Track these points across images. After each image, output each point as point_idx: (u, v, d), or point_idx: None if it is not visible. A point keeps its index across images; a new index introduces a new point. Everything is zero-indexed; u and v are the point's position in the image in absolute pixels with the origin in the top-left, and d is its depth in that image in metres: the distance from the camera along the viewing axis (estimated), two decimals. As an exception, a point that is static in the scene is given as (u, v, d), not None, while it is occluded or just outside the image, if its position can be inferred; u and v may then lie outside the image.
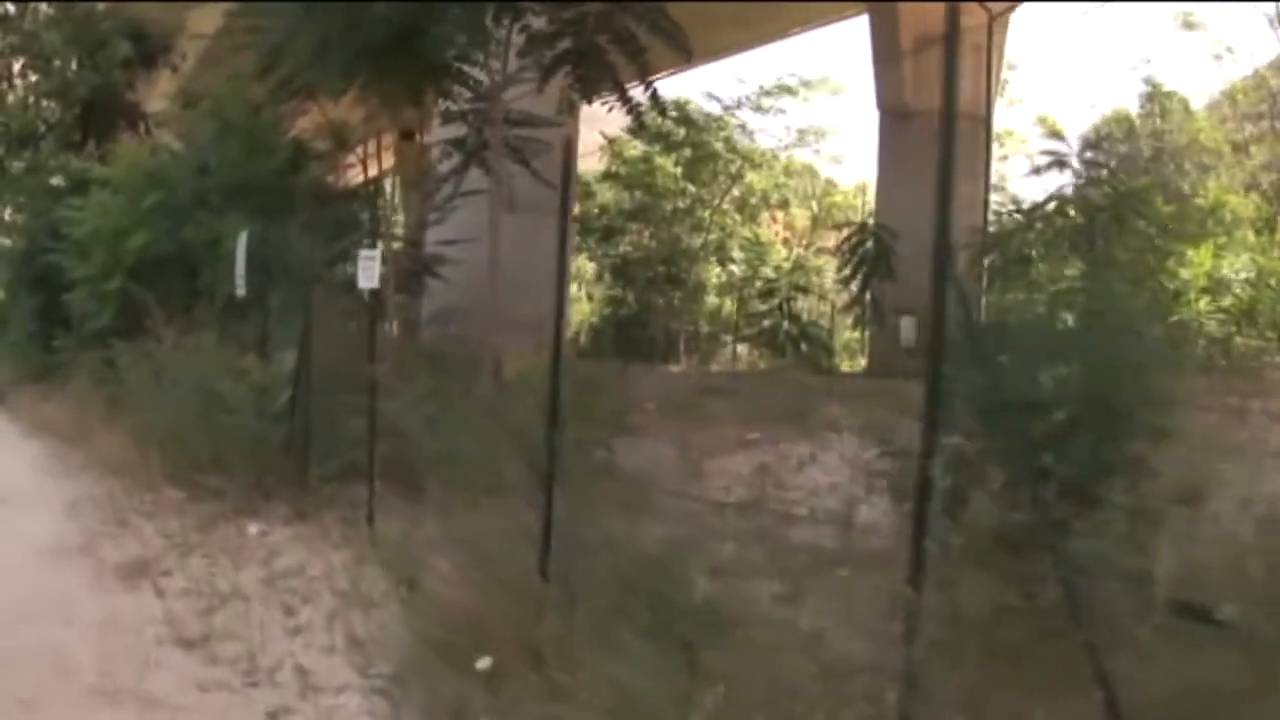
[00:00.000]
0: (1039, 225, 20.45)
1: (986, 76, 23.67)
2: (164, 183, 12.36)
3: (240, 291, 10.40)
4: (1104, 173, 19.95)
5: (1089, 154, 20.45)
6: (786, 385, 18.07)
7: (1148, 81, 29.29)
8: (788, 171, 35.74)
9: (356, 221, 14.05)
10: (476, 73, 13.00)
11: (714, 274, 34.38)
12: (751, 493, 7.90)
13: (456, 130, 13.83)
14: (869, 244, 23.56)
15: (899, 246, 23.04)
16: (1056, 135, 28.34)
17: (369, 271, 6.94)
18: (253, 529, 8.10)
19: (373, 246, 7.05)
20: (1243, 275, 21.81)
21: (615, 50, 11.01)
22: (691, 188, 32.82)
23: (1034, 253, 20.73)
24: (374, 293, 7.12)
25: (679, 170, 32.62)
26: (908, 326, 18.52)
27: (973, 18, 23.38)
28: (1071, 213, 20.36)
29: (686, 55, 11.73)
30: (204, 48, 20.61)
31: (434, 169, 14.05)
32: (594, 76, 11.32)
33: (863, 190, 34.06)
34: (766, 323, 24.85)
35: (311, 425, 8.79)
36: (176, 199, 12.29)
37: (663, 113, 10.79)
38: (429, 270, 14.68)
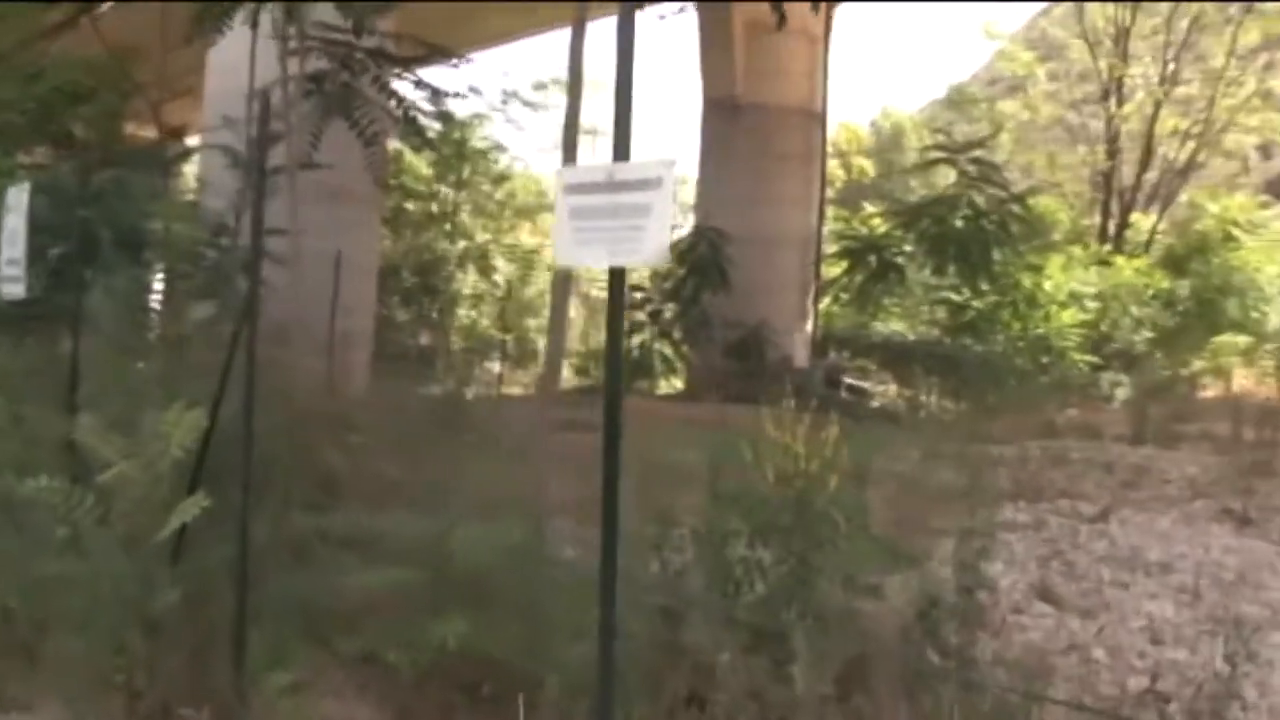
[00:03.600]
0: (912, 232, 17.31)
1: (824, 69, 20.48)
2: None
3: (15, 291, 5.27)
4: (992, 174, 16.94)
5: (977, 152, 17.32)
6: (669, 420, 13.95)
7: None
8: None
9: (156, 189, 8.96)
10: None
11: (470, 284, 29.61)
12: None
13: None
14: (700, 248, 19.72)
15: (729, 249, 19.39)
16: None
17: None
18: None
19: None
20: (1091, 289, 19.61)
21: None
22: (447, 190, 28.03)
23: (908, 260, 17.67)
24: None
25: (431, 171, 27.75)
26: (800, 345, 14.81)
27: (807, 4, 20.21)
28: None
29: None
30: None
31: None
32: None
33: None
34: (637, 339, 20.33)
35: (252, 565, 3.99)
36: None
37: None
38: (248, 269, 9.67)
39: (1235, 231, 21.16)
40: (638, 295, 20.33)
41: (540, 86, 26.72)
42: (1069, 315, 18.40)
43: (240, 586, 3.92)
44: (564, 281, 6.74)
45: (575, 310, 32.12)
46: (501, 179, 28.64)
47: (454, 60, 9.53)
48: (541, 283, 29.72)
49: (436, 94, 9.38)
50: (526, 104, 26.86)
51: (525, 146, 59.24)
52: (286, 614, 3.99)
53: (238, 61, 10.42)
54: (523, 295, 29.03)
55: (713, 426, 13.19)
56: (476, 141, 27.60)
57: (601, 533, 2.73)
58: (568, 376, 26.29)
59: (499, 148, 27.99)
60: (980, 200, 16.72)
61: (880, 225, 18.58)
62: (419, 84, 9.25)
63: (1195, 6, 22.59)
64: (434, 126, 10.78)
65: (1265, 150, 34.09)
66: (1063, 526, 6.38)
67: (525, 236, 31.10)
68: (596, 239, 2.55)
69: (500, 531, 4.00)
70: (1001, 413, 13.72)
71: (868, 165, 32.49)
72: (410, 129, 8.96)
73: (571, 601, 4.06)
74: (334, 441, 5.31)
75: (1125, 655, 4.43)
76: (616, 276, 2.62)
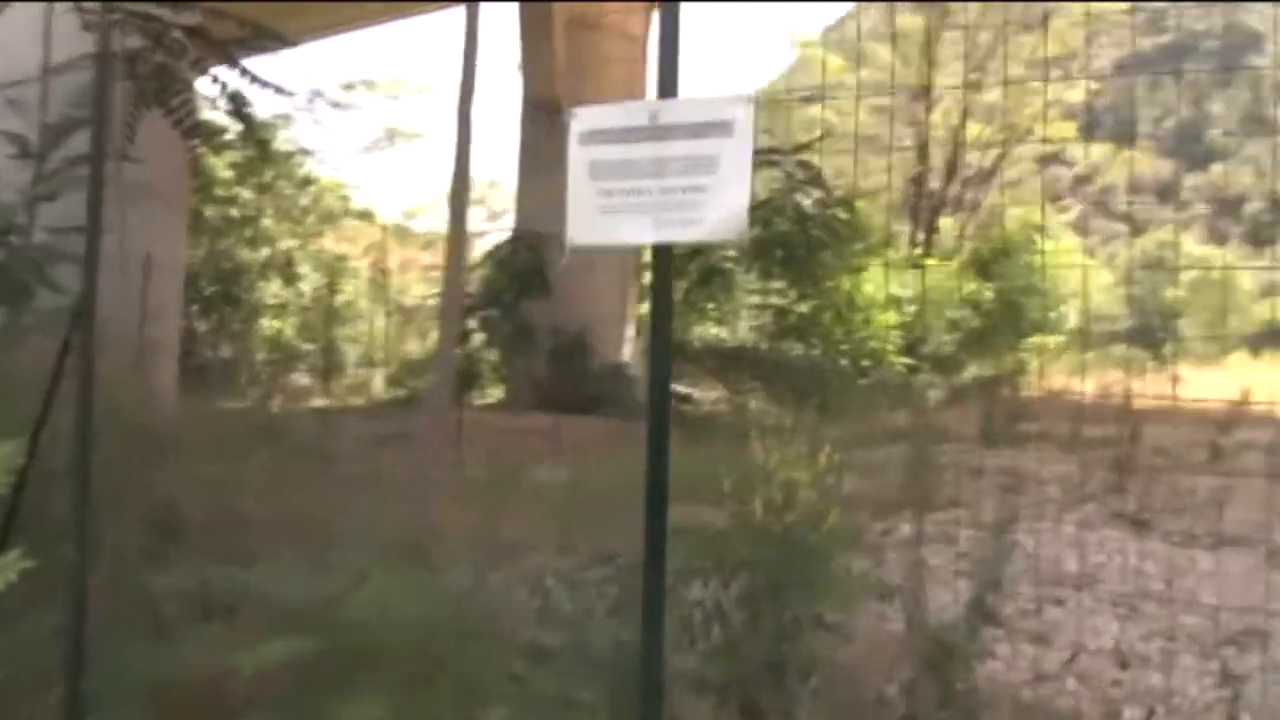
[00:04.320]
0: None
1: (644, 71, 20.05)
2: None
3: None
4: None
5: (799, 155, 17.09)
6: (507, 433, 13.22)
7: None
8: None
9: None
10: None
11: (271, 293, 27.84)
12: None
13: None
14: (521, 254, 18.99)
15: (550, 255, 18.69)
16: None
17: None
18: None
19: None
20: (909, 292, 19.79)
21: None
22: (248, 194, 26.27)
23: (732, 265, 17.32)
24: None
25: (232, 174, 25.95)
26: (627, 351, 14.27)
27: (628, 3, 19.84)
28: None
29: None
30: None
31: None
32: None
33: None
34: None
35: (89, 639, 3.13)
36: None
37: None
38: (38, 271, 8.49)
39: (1035, 236, 21.76)
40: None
41: (348, 87, 25.37)
42: (888, 318, 18.47)
43: (73, 668, 3.05)
44: (456, 285, 5.92)
45: (383, 319, 30.80)
46: (307, 183, 27.11)
47: (287, 45, 8.53)
48: (350, 291, 28.32)
49: (266, 85, 8.35)
50: (334, 105, 25.40)
51: (332, 149, 56.46)
52: (135, 700, 3.13)
53: (21, 39, 9.21)
54: (330, 304, 27.50)
55: (551, 438, 12.59)
56: (281, 143, 26.04)
57: (644, 577, 2.05)
58: (380, 387, 25.09)
59: (304, 151, 26.51)
60: (805, 204, 16.53)
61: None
62: (244, 72, 8.21)
63: (999, 18, 23.19)
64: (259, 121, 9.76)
65: (1047, 160, 35.56)
66: (970, 539, 5.97)
67: (330, 244, 29.58)
68: (634, 207, 1.88)
69: (413, 583, 3.23)
70: (840, 417, 13.49)
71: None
72: (243, 122, 7.93)
73: (499, 661, 3.36)
74: (174, 472, 4.40)
75: (1098, 683, 3.99)
76: (662, 259, 1.95)
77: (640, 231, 1.97)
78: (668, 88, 2.04)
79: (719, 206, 1.89)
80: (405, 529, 4.10)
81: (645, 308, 20.88)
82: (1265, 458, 8.81)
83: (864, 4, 25.25)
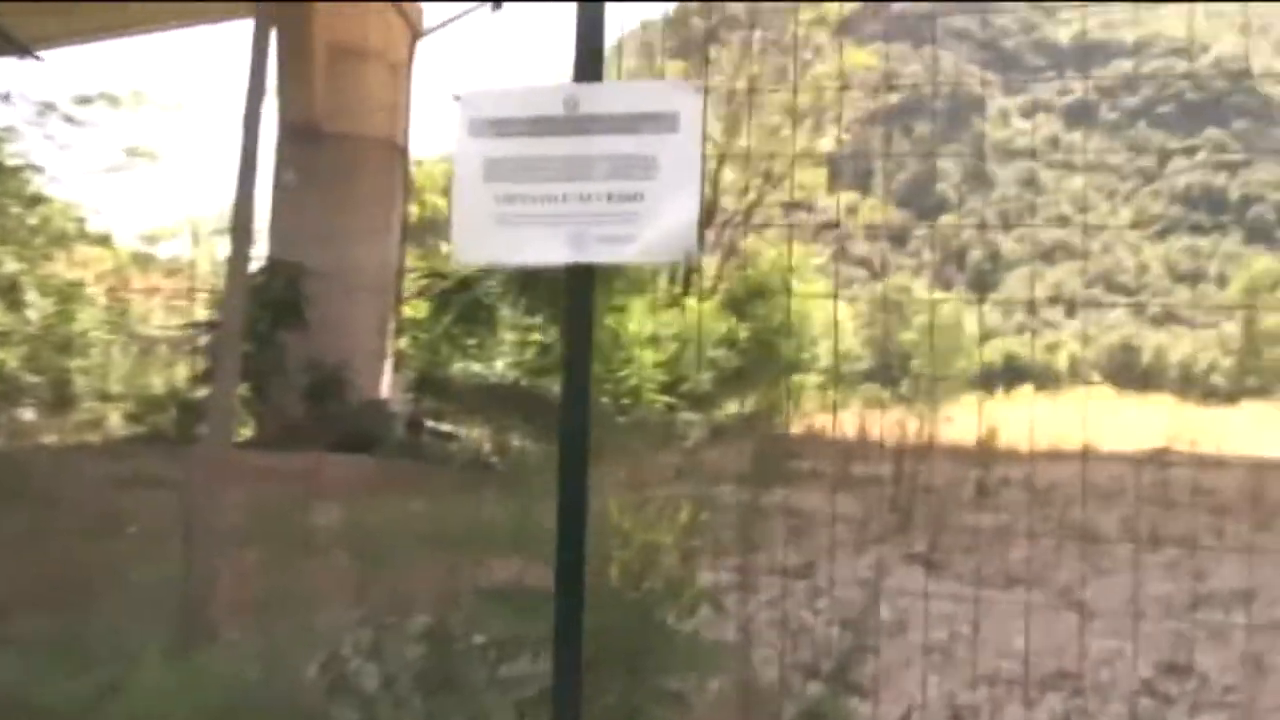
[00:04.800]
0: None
1: (407, 101, 19.42)
2: None
3: None
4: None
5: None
6: (269, 474, 12.28)
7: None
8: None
9: None
10: None
11: (-6, 321, 25.30)
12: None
13: None
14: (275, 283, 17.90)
15: (307, 286, 17.67)
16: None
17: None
18: None
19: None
20: (671, 330, 19.90)
21: None
22: (-34, 212, 23.87)
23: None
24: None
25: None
26: (386, 387, 13.58)
27: (391, 31, 19.23)
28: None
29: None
30: None
31: None
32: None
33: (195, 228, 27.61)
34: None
35: None
36: None
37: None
38: None
39: (789, 277, 22.35)
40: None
41: (85, 101, 23.39)
42: (649, 356, 18.47)
43: None
44: (235, 313, 5.24)
45: (121, 349, 28.63)
46: (36, 202, 24.84)
47: (21, 52, 7.59)
48: (85, 319, 26.11)
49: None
50: (68, 120, 23.32)
51: (66, 167, 51.91)
52: None
53: None
54: (61, 333, 25.23)
55: (314, 479, 11.76)
56: (6, 157, 23.75)
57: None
58: (117, 423, 23.22)
59: (34, 167, 24.24)
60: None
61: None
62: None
63: (757, 67, 23.86)
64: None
65: (796, 205, 36.79)
66: (774, 586, 5.76)
67: (61, 268, 27.22)
68: (544, 218, 1.47)
69: (192, 670, 2.67)
70: (602, 456, 13.24)
71: (442, 203, 31.65)
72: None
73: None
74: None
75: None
76: (581, 281, 1.54)
77: (551, 249, 1.56)
78: (586, 75, 1.65)
79: (660, 219, 1.50)
80: (179, 595, 3.49)
81: (404, 342, 20.17)
82: (1024, 493, 9.07)
83: (623, 45, 25.50)
